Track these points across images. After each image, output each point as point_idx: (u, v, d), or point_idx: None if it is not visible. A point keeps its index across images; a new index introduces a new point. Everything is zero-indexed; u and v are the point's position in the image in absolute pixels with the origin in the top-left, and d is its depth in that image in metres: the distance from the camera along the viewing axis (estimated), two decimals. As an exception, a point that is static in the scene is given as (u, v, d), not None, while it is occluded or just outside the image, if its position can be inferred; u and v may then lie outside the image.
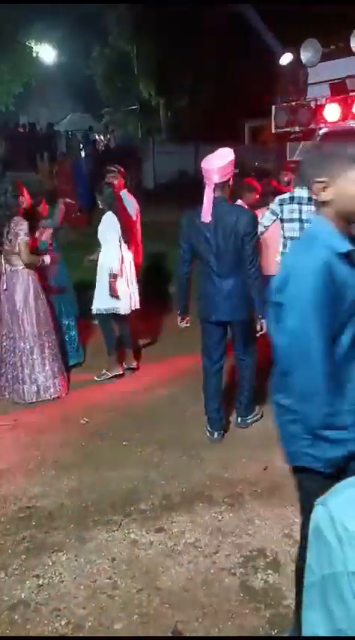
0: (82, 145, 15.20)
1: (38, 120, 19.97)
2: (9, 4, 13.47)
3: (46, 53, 19.73)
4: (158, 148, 16.99)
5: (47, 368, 4.49)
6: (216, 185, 3.43)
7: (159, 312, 6.21)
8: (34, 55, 17.50)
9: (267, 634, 2.23)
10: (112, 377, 4.90)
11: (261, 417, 4.07)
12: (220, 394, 3.86)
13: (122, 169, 5.50)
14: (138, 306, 4.92)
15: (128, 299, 4.79)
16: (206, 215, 3.46)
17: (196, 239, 3.57)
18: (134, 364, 5.07)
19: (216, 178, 3.41)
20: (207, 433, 3.86)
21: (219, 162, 3.41)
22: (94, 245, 4.89)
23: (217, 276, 3.58)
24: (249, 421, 4.01)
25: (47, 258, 4.53)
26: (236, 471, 3.43)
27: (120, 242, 4.68)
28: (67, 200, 5.55)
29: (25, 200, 4.46)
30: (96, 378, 4.90)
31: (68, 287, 5.18)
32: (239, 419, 4.01)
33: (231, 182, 3.52)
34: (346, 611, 0.85)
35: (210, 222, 3.47)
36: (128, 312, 4.81)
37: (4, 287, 4.45)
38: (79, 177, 12.11)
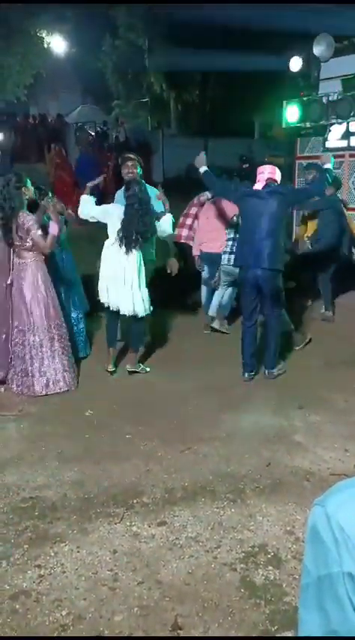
0: (91, 137, 15.18)
1: (48, 111, 19.96)
2: (13, 3, 13.42)
3: (57, 44, 19.68)
4: (167, 141, 16.94)
5: (57, 361, 4.48)
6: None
7: (165, 309, 6.19)
8: (45, 46, 17.46)
9: (267, 630, 2.24)
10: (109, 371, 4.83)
11: (285, 371, 4.78)
12: (254, 344, 4.77)
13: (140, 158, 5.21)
14: (130, 313, 4.64)
15: (116, 298, 4.59)
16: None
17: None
18: (128, 366, 4.86)
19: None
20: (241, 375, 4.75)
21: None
22: (100, 237, 4.85)
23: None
24: (274, 372, 4.74)
25: (54, 228, 4.35)
26: (238, 467, 3.43)
27: (116, 239, 4.53)
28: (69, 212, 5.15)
29: (28, 192, 4.43)
30: (127, 368, 4.83)
31: (76, 279, 5.17)
32: (266, 371, 4.74)
33: None
34: (341, 613, 0.84)
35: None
36: (114, 309, 4.65)
37: (9, 281, 4.44)
38: (86, 169, 12.08)
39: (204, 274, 6.03)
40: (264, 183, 4.57)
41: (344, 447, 3.66)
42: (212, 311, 5.92)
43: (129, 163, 4.99)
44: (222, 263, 5.68)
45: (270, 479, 3.29)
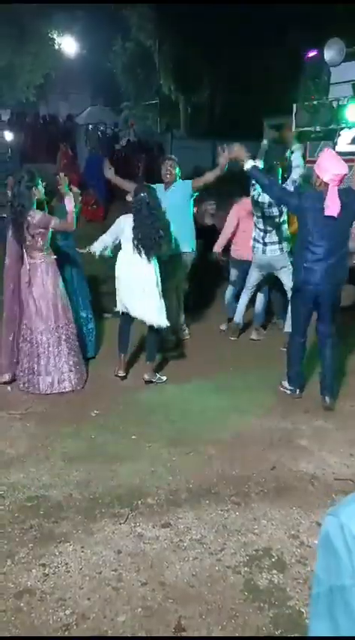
0: (100, 137, 15.21)
1: (58, 111, 20.04)
2: (23, 3, 13.48)
3: (68, 45, 19.76)
4: (176, 143, 16.95)
5: (64, 361, 4.50)
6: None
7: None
8: (57, 46, 17.55)
9: (270, 634, 2.24)
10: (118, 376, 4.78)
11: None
12: (301, 360, 4.50)
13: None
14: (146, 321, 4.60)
15: (135, 305, 4.54)
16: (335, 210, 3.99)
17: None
18: (146, 376, 4.73)
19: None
20: (288, 391, 4.50)
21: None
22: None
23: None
24: (334, 402, 4.34)
25: (68, 203, 4.41)
26: (243, 470, 3.43)
27: (132, 249, 4.46)
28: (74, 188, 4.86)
29: (39, 192, 4.44)
30: (144, 378, 4.70)
31: (84, 279, 5.18)
32: (326, 398, 4.30)
33: None
34: (351, 624, 0.85)
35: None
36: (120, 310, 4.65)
37: (27, 279, 4.47)
38: (96, 170, 12.10)
39: (232, 275, 6.01)
40: (337, 196, 3.95)
41: (349, 451, 3.66)
42: (238, 318, 5.83)
43: (168, 163, 5.26)
44: (254, 255, 5.47)
45: (275, 482, 3.29)
